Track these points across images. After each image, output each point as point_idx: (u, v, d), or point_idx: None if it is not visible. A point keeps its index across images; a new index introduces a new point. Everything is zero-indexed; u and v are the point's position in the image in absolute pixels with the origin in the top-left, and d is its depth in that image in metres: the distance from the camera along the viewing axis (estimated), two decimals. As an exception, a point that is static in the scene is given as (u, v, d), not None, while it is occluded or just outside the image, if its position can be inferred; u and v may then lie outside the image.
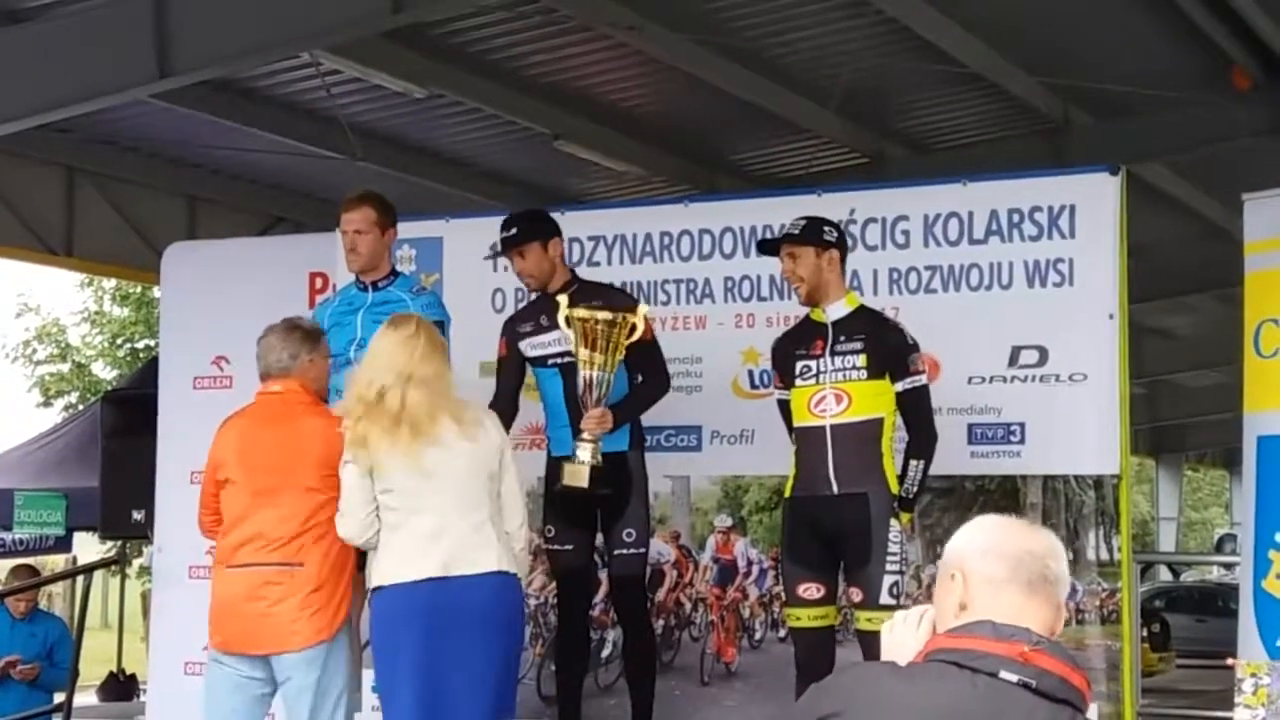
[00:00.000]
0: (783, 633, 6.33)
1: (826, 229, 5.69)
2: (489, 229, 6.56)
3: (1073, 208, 6.34)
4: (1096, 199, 6.34)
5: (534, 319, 6.07)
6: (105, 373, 24.83)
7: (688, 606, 6.91)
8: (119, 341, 24.90)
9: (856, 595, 5.53)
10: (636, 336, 5.77)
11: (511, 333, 6.13)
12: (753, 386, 6.68)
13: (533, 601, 6.73)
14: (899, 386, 5.55)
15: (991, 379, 6.37)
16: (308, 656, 5.23)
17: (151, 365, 10.45)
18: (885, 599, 5.42)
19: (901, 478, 5.55)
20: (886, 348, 5.56)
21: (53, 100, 8.22)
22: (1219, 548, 28.95)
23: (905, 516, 5.55)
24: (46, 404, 24.92)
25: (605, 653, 6.77)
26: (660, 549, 6.81)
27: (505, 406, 5.94)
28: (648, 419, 6.11)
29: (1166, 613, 19.53)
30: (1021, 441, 6.33)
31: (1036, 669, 2.59)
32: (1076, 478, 6.37)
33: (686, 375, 6.73)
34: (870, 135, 11.56)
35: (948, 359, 6.34)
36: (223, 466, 5.42)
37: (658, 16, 9.12)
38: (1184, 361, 21.25)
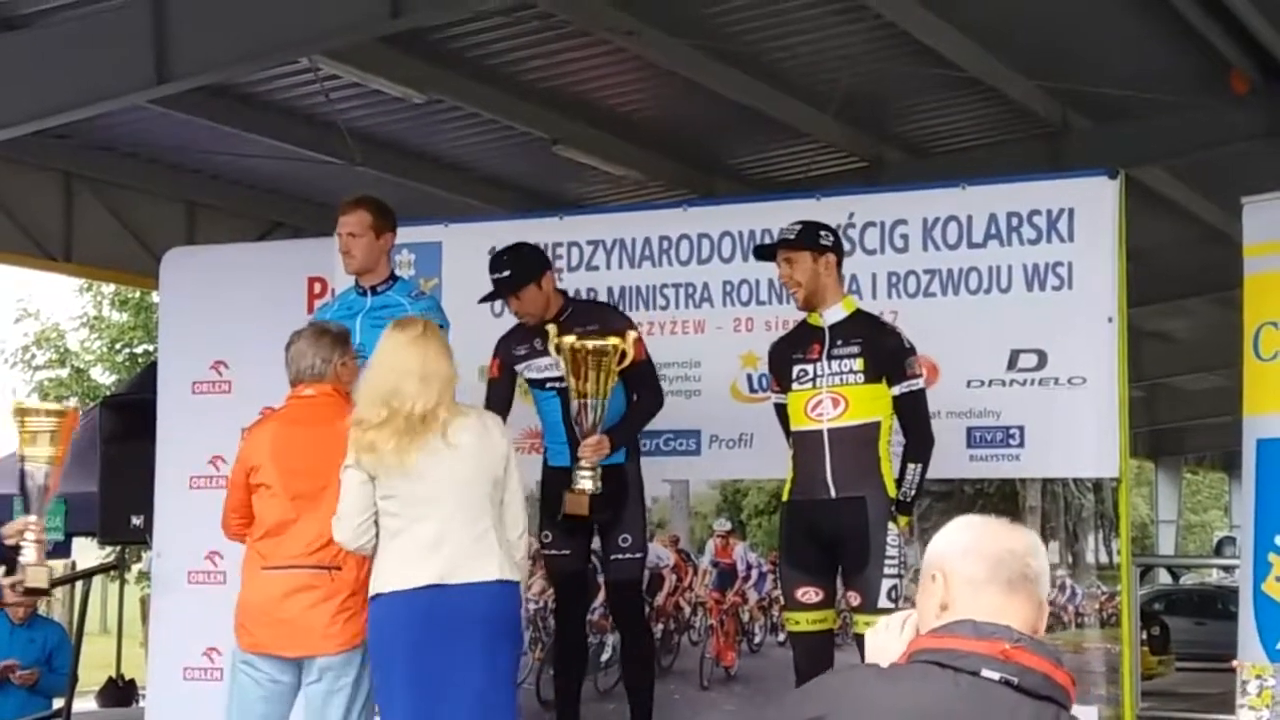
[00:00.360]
0: (782, 637, 6.33)
1: (822, 233, 5.69)
2: (488, 234, 6.57)
3: (1071, 211, 6.35)
4: (1095, 202, 6.34)
5: (529, 342, 6.06)
6: (104, 378, 24.82)
7: (687, 610, 6.91)
8: (118, 346, 24.90)
9: (855, 599, 5.54)
10: (628, 363, 5.76)
11: (506, 354, 6.11)
12: (751, 390, 6.69)
13: (531, 606, 6.74)
14: (896, 390, 5.55)
15: (990, 382, 6.37)
16: (342, 660, 5.23)
17: (150, 370, 10.44)
18: (884, 603, 5.43)
19: (899, 481, 5.55)
20: (883, 351, 5.56)
21: (51, 105, 8.22)
22: (1218, 550, 28.96)
23: (903, 520, 5.55)
24: (45, 409, 24.88)
25: (604, 657, 6.77)
26: (659, 553, 6.82)
27: None
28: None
29: (1166, 616, 19.49)
30: (1021, 445, 6.33)
31: (1018, 666, 2.58)
32: (1076, 481, 6.38)
33: (685, 379, 6.74)
34: (869, 139, 11.56)
35: (947, 362, 6.34)
36: (256, 470, 5.40)
37: (656, 21, 9.11)
38: (1183, 365, 21.25)
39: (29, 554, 5.12)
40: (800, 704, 2.70)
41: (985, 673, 2.59)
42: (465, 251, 7.15)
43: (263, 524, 5.38)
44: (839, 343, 5.58)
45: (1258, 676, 5.94)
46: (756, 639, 6.81)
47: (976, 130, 11.57)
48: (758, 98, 10.37)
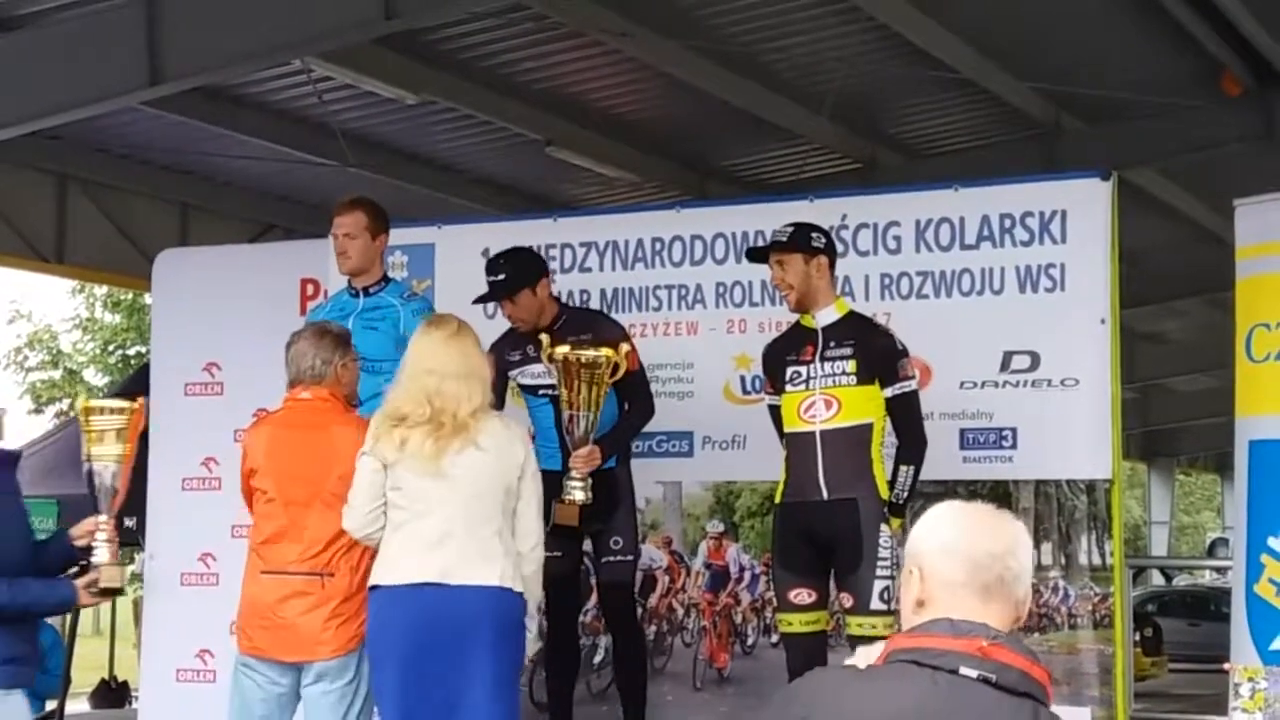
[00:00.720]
0: (775, 638, 6.33)
1: (814, 235, 5.68)
2: (481, 236, 6.56)
3: (1064, 213, 6.34)
4: (1088, 204, 6.34)
5: (522, 348, 6.06)
6: (97, 379, 24.85)
7: (680, 612, 6.91)
8: (110, 348, 24.92)
9: (848, 600, 5.53)
10: (620, 374, 5.76)
11: (499, 358, 6.10)
12: (744, 392, 6.68)
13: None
14: (888, 392, 5.55)
15: (983, 384, 6.37)
16: (338, 665, 5.21)
17: (143, 372, 10.44)
18: (876, 604, 5.42)
19: (892, 483, 5.55)
20: (876, 353, 5.56)
21: (44, 107, 8.22)
22: (1211, 552, 28.95)
23: (896, 522, 5.55)
24: (38, 410, 24.96)
25: (597, 659, 6.76)
26: (652, 554, 6.82)
27: None
28: (638, 425, 6.12)
29: (1159, 617, 19.48)
30: (1013, 446, 6.33)
31: (996, 664, 2.59)
32: (1069, 482, 6.38)
33: (678, 381, 6.73)
34: (862, 141, 11.58)
35: (940, 364, 6.34)
36: (254, 473, 5.39)
37: (649, 23, 9.12)
38: (1176, 366, 21.29)
39: (102, 554, 5.09)
40: (785, 705, 2.71)
41: (963, 670, 2.59)
42: (458, 253, 7.14)
43: (261, 528, 5.38)
44: (832, 344, 5.58)
45: (1250, 679, 5.94)
46: (749, 640, 6.81)
47: (970, 132, 11.60)
48: (751, 99, 10.38)
